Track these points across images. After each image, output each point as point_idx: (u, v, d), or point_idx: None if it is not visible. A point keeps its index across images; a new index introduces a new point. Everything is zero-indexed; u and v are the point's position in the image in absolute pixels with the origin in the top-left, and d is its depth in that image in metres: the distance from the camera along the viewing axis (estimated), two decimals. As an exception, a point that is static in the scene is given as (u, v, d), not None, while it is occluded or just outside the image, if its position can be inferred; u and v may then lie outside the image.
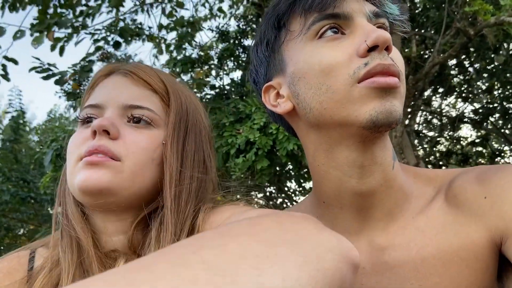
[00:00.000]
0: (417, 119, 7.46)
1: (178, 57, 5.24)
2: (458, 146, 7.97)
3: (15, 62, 3.52)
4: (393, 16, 0.62)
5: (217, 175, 0.72)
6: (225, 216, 0.59)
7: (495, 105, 6.94)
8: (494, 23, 3.43)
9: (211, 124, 0.75)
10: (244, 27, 5.89)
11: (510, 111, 6.79)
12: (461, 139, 7.93)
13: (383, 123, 0.54)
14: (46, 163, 4.46)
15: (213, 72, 5.73)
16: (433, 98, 7.53)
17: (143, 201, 0.60)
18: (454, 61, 6.29)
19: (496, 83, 6.33)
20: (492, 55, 5.40)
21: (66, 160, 0.62)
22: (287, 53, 0.62)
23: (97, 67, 4.43)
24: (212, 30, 5.93)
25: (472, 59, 6.12)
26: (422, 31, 5.60)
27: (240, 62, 5.93)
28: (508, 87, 6.29)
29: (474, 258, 0.56)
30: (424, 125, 8.02)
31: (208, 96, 5.37)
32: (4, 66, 3.51)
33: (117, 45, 4.38)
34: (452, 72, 6.68)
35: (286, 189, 6.98)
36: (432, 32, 5.37)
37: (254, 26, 5.79)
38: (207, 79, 5.42)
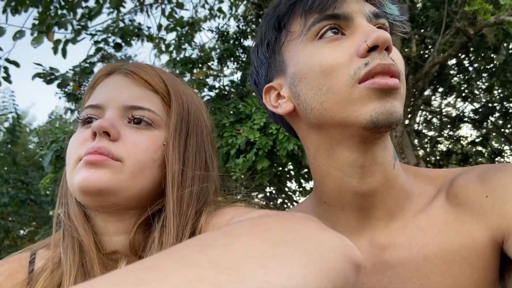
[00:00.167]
0: (417, 119, 7.46)
1: (178, 58, 5.24)
2: (458, 146, 7.97)
3: (16, 64, 3.53)
4: (393, 17, 0.63)
5: (219, 176, 0.72)
6: (227, 217, 0.59)
7: (495, 104, 6.94)
8: (494, 22, 3.43)
9: (213, 124, 0.75)
10: (244, 27, 5.89)
11: (510, 111, 6.79)
12: (461, 138, 7.93)
13: (384, 123, 0.54)
14: (46, 164, 4.46)
15: (213, 73, 5.73)
16: (433, 97, 7.53)
17: (144, 202, 0.60)
18: (454, 61, 6.28)
19: (496, 82, 6.33)
20: (492, 55, 5.40)
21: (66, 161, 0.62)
22: (288, 54, 0.62)
23: (98, 68, 4.43)
24: (212, 31, 5.94)
25: (472, 59, 6.12)
26: (422, 30, 5.60)
27: (240, 62, 5.93)
28: (508, 86, 6.29)
29: (475, 257, 0.57)
30: (424, 124, 8.02)
31: (208, 97, 5.37)
32: (6, 69, 3.52)
33: (117, 47, 4.38)
34: (452, 71, 6.68)
35: (286, 189, 6.98)
36: (432, 31, 5.37)
37: (254, 26, 5.79)
38: (207, 79, 5.42)
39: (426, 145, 8.01)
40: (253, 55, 0.71)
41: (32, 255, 0.64)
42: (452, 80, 6.80)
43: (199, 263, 0.28)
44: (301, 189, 6.89)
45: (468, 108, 7.60)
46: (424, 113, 7.64)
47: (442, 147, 8.15)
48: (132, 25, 4.64)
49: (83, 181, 0.55)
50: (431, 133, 8.12)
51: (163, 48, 4.96)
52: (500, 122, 7.35)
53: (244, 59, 5.85)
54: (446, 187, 0.63)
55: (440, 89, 7.07)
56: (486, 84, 6.71)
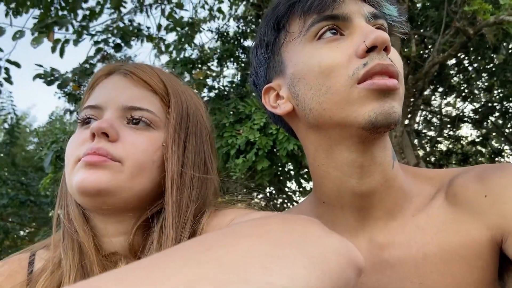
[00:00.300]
0: (417, 119, 7.46)
1: (178, 58, 5.24)
2: (458, 146, 7.97)
3: (17, 65, 3.54)
4: (391, 17, 0.63)
5: (218, 176, 0.71)
6: (228, 219, 0.59)
7: (495, 104, 6.94)
8: (494, 22, 3.43)
9: (212, 124, 0.74)
10: (243, 27, 5.89)
11: (510, 110, 6.79)
12: (461, 138, 7.93)
13: (382, 124, 0.54)
14: (46, 165, 4.46)
15: (213, 74, 5.73)
16: (433, 97, 7.53)
17: (143, 203, 0.60)
18: (453, 61, 6.29)
19: (495, 82, 6.33)
20: (492, 55, 5.40)
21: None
22: (287, 54, 0.63)
23: (98, 69, 4.43)
24: (212, 31, 5.94)
25: (471, 59, 6.12)
26: (422, 30, 5.60)
27: (240, 63, 5.93)
28: (508, 86, 6.29)
29: (475, 257, 0.57)
30: (424, 124, 8.02)
31: (208, 98, 5.37)
32: (7, 70, 3.52)
33: (117, 47, 4.38)
34: (452, 71, 6.68)
35: (286, 189, 6.98)
36: (432, 31, 5.37)
37: (253, 26, 5.79)
38: (207, 79, 5.42)
39: (426, 145, 8.01)
40: (252, 55, 0.71)
41: (32, 256, 0.64)
42: (452, 80, 6.80)
43: (203, 263, 0.29)
44: (301, 189, 6.89)
45: (468, 108, 7.61)
46: (424, 113, 7.65)
47: (442, 147, 8.15)
48: (131, 25, 4.64)
49: (81, 182, 0.55)
50: (431, 133, 8.12)
51: (163, 49, 4.96)
52: (500, 121, 7.35)
53: (244, 60, 5.85)
54: (445, 186, 0.63)
55: (440, 89, 7.07)
56: (486, 83, 6.71)
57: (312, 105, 0.59)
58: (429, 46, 5.87)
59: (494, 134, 7.73)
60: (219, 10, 5.45)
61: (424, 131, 8.05)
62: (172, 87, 0.65)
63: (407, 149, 4.88)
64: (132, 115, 0.60)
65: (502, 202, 0.55)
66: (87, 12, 4.00)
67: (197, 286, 0.26)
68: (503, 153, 7.77)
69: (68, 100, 4.74)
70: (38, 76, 3.60)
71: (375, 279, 0.62)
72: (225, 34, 5.94)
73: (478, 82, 6.88)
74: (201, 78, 5.10)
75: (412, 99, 5.39)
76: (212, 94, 5.52)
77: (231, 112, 4.43)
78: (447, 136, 7.96)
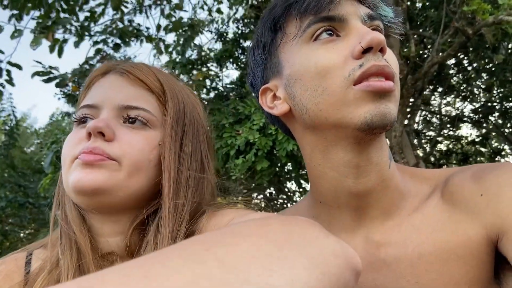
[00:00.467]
0: (417, 119, 7.46)
1: (177, 59, 5.24)
2: (458, 146, 7.97)
3: (19, 67, 3.55)
4: (388, 19, 0.63)
5: (217, 176, 0.71)
6: (226, 219, 0.58)
7: (495, 104, 6.94)
8: (493, 22, 3.43)
9: (210, 124, 0.74)
10: (243, 28, 5.90)
11: (509, 110, 6.79)
12: (461, 138, 7.93)
13: (378, 125, 0.55)
14: (46, 165, 4.47)
15: (212, 73, 5.73)
16: (432, 97, 7.53)
17: (140, 202, 0.60)
18: (453, 61, 6.29)
19: (495, 82, 6.33)
20: (491, 54, 5.40)
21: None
22: (283, 55, 0.63)
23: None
24: (211, 32, 5.94)
25: (471, 58, 6.12)
26: (421, 30, 5.60)
27: (239, 63, 5.93)
28: (508, 86, 6.29)
29: (470, 255, 0.57)
30: (423, 124, 8.02)
31: (207, 98, 5.37)
32: (8, 72, 3.53)
33: (116, 47, 4.39)
34: (451, 71, 6.68)
35: (286, 190, 6.98)
36: (431, 31, 5.37)
37: (253, 27, 5.79)
38: (206, 80, 5.42)
39: (425, 145, 8.01)
40: (250, 56, 0.71)
41: (28, 256, 0.64)
42: (452, 80, 6.80)
43: (207, 261, 0.29)
44: (301, 189, 6.89)
45: (467, 108, 7.61)
46: (423, 113, 7.65)
47: (441, 146, 8.15)
48: (131, 26, 4.65)
49: (77, 181, 0.55)
50: (430, 133, 8.12)
51: (163, 49, 4.96)
52: (500, 121, 7.35)
53: (243, 60, 5.85)
54: (441, 186, 0.63)
55: (440, 89, 7.07)
56: (486, 83, 6.71)
57: (308, 106, 0.59)
58: (429, 46, 5.88)
59: (493, 134, 7.73)
60: (218, 11, 5.45)
61: (423, 131, 8.05)
62: (169, 86, 0.65)
63: (407, 149, 4.88)
64: (129, 114, 0.60)
65: (498, 201, 0.55)
66: (88, 14, 4.01)
67: (197, 285, 0.26)
68: (502, 153, 7.77)
69: (67, 101, 4.74)
70: (36, 73, 3.60)
71: (371, 278, 0.62)
72: (225, 34, 5.95)
73: (477, 82, 6.88)
74: (201, 79, 5.10)
75: (411, 99, 5.39)
76: (211, 95, 5.53)
77: (231, 113, 4.43)
78: (447, 136, 7.96)
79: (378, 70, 0.55)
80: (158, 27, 4.73)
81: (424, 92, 6.67)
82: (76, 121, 0.63)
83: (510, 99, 6.56)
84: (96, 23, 4.10)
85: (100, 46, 4.40)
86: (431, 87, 6.89)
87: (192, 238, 0.35)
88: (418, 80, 4.63)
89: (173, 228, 0.57)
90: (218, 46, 6.00)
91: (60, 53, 3.73)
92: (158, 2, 4.68)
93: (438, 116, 7.84)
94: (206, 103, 4.99)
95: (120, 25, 4.45)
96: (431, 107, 7.69)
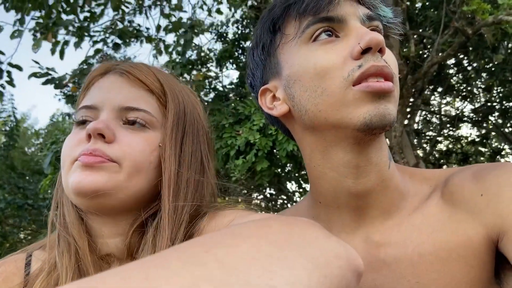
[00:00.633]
0: (417, 119, 7.46)
1: (177, 59, 5.24)
2: (458, 145, 7.97)
3: (19, 68, 3.55)
4: (387, 19, 0.63)
5: (217, 177, 0.71)
6: (227, 220, 0.58)
7: (495, 104, 6.94)
8: (492, 22, 3.43)
9: (210, 125, 0.74)
10: (242, 29, 5.90)
11: (509, 110, 6.79)
12: (461, 138, 7.93)
13: (377, 125, 0.55)
14: (46, 166, 4.47)
15: (212, 74, 5.73)
16: (432, 97, 7.54)
17: (139, 204, 0.60)
18: (452, 61, 6.29)
19: (495, 82, 6.33)
20: (491, 54, 5.40)
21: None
22: (283, 56, 0.63)
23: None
24: (211, 32, 5.94)
25: (470, 58, 6.13)
26: (421, 30, 5.60)
27: (239, 63, 5.94)
28: (507, 85, 6.29)
29: (471, 255, 0.57)
30: (423, 124, 8.02)
31: (207, 99, 5.37)
32: (9, 73, 3.54)
33: (116, 47, 4.39)
34: (451, 71, 6.69)
35: (286, 190, 6.98)
36: (431, 31, 5.37)
37: (253, 27, 5.79)
38: (206, 80, 5.42)
39: (425, 145, 8.01)
40: (249, 57, 0.71)
41: (28, 257, 0.64)
42: (451, 80, 6.80)
43: (208, 263, 0.29)
44: (301, 190, 6.89)
45: (467, 108, 7.61)
46: (423, 112, 7.65)
47: (441, 146, 8.16)
48: (131, 26, 4.65)
49: (78, 183, 0.55)
50: (430, 133, 8.12)
51: (162, 49, 4.96)
52: (500, 121, 7.36)
53: (243, 60, 5.85)
54: (441, 186, 0.63)
55: (439, 89, 7.08)
56: (485, 83, 6.72)
57: (307, 106, 0.59)
58: (428, 46, 5.88)
59: (493, 133, 7.73)
60: (218, 11, 5.45)
61: (423, 131, 8.05)
62: (169, 86, 0.64)
63: (407, 149, 4.88)
64: (128, 115, 0.60)
65: (498, 201, 0.55)
66: (88, 14, 4.01)
67: (201, 286, 0.26)
68: (502, 153, 7.77)
69: (67, 102, 4.74)
70: (33, 75, 3.60)
71: (371, 278, 0.62)
72: (225, 35, 5.95)
73: (477, 82, 6.88)
74: (201, 79, 5.10)
75: (411, 99, 5.39)
76: (211, 95, 5.53)
77: (231, 113, 4.43)
78: (447, 136, 7.96)
79: (377, 70, 0.55)
80: (158, 28, 4.74)
81: (424, 92, 6.68)
82: (76, 123, 0.62)
83: (510, 98, 6.57)
84: (95, 23, 4.10)
85: (99, 46, 4.41)
86: (431, 87, 6.89)
87: (192, 240, 0.35)
88: (418, 80, 4.63)
89: (172, 229, 0.57)
90: (218, 46, 6.01)
91: (62, 55, 3.73)
92: (158, 3, 4.68)
93: (438, 116, 7.84)
94: (206, 103, 4.99)
95: (120, 26, 4.46)
96: (431, 107, 7.69)
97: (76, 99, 0.69)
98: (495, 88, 6.73)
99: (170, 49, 5.03)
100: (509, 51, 5.40)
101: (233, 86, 5.75)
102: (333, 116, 0.57)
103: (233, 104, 4.57)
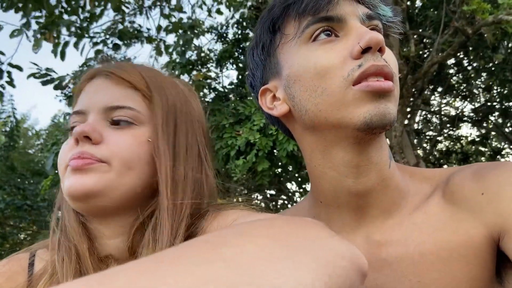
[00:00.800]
0: (417, 119, 7.46)
1: (178, 60, 5.24)
2: (458, 145, 7.97)
3: (19, 68, 3.56)
4: (386, 18, 0.63)
5: (217, 176, 0.70)
6: (230, 219, 0.58)
7: (495, 103, 6.94)
8: (492, 21, 3.43)
9: (210, 124, 0.73)
10: (242, 29, 5.90)
11: (509, 110, 6.79)
12: (461, 138, 7.93)
13: (377, 125, 0.55)
14: (48, 167, 4.46)
15: (212, 74, 5.73)
16: (432, 97, 7.54)
17: (136, 202, 0.59)
18: (452, 60, 6.29)
19: (495, 81, 6.33)
20: (491, 54, 5.40)
21: None
22: (282, 56, 0.63)
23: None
24: (211, 33, 5.94)
25: (470, 58, 6.12)
26: (420, 30, 5.60)
27: (239, 63, 5.93)
28: (507, 85, 6.29)
29: (472, 254, 0.57)
30: (423, 124, 8.02)
31: (207, 99, 5.37)
32: (9, 73, 3.55)
33: (116, 48, 4.39)
34: (451, 71, 6.69)
35: (287, 190, 6.98)
36: (431, 31, 5.37)
37: (253, 28, 5.79)
38: (207, 80, 5.42)
39: (425, 145, 8.01)
40: (249, 57, 0.71)
41: (32, 256, 0.64)
42: (451, 80, 6.80)
43: (215, 262, 0.29)
44: (301, 190, 6.89)
45: (467, 108, 7.61)
46: (423, 112, 7.65)
47: (441, 146, 8.15)
48: (132, 27, 4.65)
49: (69, 187, 0.55)
50: (430, 133, 8.12)
51: (163, 49, 4.96)
52: (500, 121, 7.36)
53: (243, 60, 5.85)
54: (442, 185, 0.63)
55: (439, 89, 7.08)
56: (485, 83, 6.72)
57: (308, 106, 0.59)
58: (428, 46, 5.88)
59: (493, 133, 7.73)
60: (218, 11, 5.45)
61: (423, 130, 8.05)
62: (155, 81, 0.64)
63: (407, 148, 4.87)
64: (114, 115, 0.60)
65: (499, 200, 0.55)
66: (87, 14, 4.02)
67: (209, 286, 0.26)
68: (503, 152, 7.77)
69: (68, 103, 4.74)
70: (32, 75, 3.60)
71: (372, 278, 0.62)
72: (225, 35, 5.95)
73: (477, 82, 6.88)
74: (201, 79, 5.10)
75: (411, 99, 5.39)
76: (211, 95, 5.53)
77: (231, 113, 4.43)
78: (447, 136, 7.96)
79: (377, 70, 0.55)
80: (159, 28, 4.74)
81: (424, 92, 6.68)
82: (70, 130, 0.63)
83: (510, 98, 6.57)
84: (95, 23, 4.11)
85: (99, 47, 4.41)
86: (431, 86, 6.89)
87: (198, 238, 0.35)
88: (418, 80, 4.63)
89: (172, 227, 0.56)
90: (218, 46, 6.01)
91: (62, 56, 3.73)
92: (158, 3, 4.69)
93: (438, 115, 7.84)
94: (206, 104, 4.99)
95: (120, 27, 4.46)
96: (431, 107, 7.69)
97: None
98: (495, 88, 6.73)
99: (170, 50, 5.03)
100: (509, 50, 5.40)
101: (233, 86, 5.75)
102: (333, 115, 0.57)
103: (233, 104, 4.57)
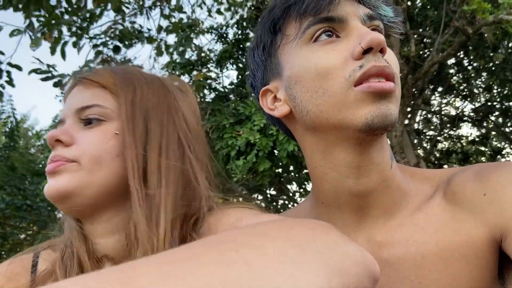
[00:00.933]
0: (417, 118, 7.46)
1: (178, 60, 5.24)
2: (458, 145, 7.97)
3: (19, 68, 3.55)
4: (387, 18, 0.63)
5: (218, 176, 0.70)
6: (234, 218, 0.57)
7: (495, 103, 6.95)
8: (493, 21, 3.43)
9: (206, 119, 0.73)
10: (243, 30, 5.90)
11: (510, 109, 6.79)
12: (461, 137, 7.93)
13: (379, 126, 0.55)
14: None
15: (213, 74, 5.73)
16: (433, 97, 7.54)
17: (119, 198, 0.59)
18: (453, 60, 6.29)
19: (495, 81, 6.34)
20: (491, 54, 5.41)
21: None
22: (283, 57, 0.63)
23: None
24: (211, 32, 5.94)
25: (471, 58, 6.13)
26: (421, 30, 5.60)
27: (239, 63, 5.93)
28: (508, 85, 6.29)
29: (474, 255, 0.57)
30: (424, 124, 8.02)
31: (207, 99, 5.37)
32: (8, 73, 3.55)
33: (116, 50, 4.39)
34: (451, 71, 6.69)
35: (287, 190, 6.98)
36: (431, 31, 5.37)
37: (253, 28, 5.79)
38: (208, 81, 5.42)
39: (426, 145, 8.01)
40: (250, 58, 0.71)
41: (35, 257, 0.64)
42: (452, 79, 6.81)
43: (236, 263, 0.29)
44: (302, 190, 6.89)
45: (467, 107, 7.61)
46: (423, 112, 7.65)
47: (442, 146, 8.16)
48: (132, 28, 4.65)
49: (46, 191, 0.57)
50: (431, 133, 8.12)
51: (163, 49, 4.96)
52: (500, 120, 7.36)
53: (243, 61, 5.85)
54: (443, 186, 0.63)
55: (440, 89, 7.08)
56: (486, 83, 6.72)
57: (309, 107, 0.59)
58: (429, 46, 5.88)
59: (494, 133, 7.73)
60: (218, 11, 5.45)
61: (424, 130, 8.06)
62: (124, 77, 0.64)
63: (407, 148, 4.88)
64: (84, 115, 0.61)
65: (501, 200, 0.55)
66: (87, 15, 4.02)
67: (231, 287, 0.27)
68: (503, 152, 7.77)
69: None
70: (34, 71, 3.60)
71: None
72: (225, 35, 5.95)
73: (477, 81, 6.89)
74: (201, 80, 5.10)
75: (412, 99, 5.39)
76: (212, 95, 5.53)
77: (231, 113, 4.43)
78: (447, 136, 7.97)
79: (378, 71, 0.55)
80: (159, 28, 4.74)
81: (425, 92, 6.68)
82: None
83: (510, 98, 6.57)
84: (95, 22, 4.10)
85: (100, 49, 4.41)
86: (431, 86, 6.89)
87: (218, 235, 0.36)
88: (418, 79, 4.63)
89: (150, 219, 0.56)
90: (219, 46, 6.01)
91: (63, 55, 3.74)
92: (158, 3, 4.69)
93: (438, 115, 7.84)
94: (206, 104, 5.00)
95: (120, 27, 4.46)
96: (431, 106, 7.69)
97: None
98: (496, 88, 6.74)
99: (171, 49, 5.03)
100: (509, 50, 5.40)
101: (233, 86, 5.75)
102: (334, 116, 0.57)
103: (233, 105, 4.56)
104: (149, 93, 0.64)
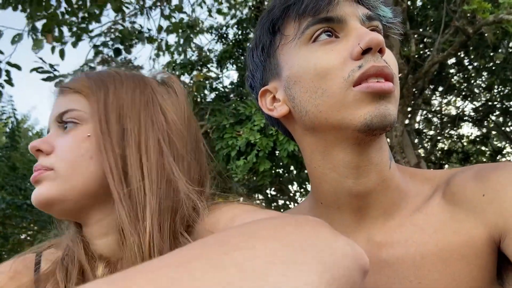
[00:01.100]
0: (417, 118, 7.46)
1: (178, 60, 5.24)
2: (458, 145, 7.97)
3: (18, 67, 3.56)
4: (386, 19, 0.63)
5: (218, 177, 0.69)
6: (229, 215, 0.57)
7: (495, 103, 6.94)
8: (493, 21, 3.43)
9: (211, 125, 0.73)
10: (243, 30, 5.90)
11: (510, 109, 6.79)
12: (462, 137, 7.93)
13: (378, 126, 0.55)
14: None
15: (213, 74, 5.73)
16: (433, 97, 7.54)
17: (105, 198, 0.59)
18: (453, 60, 6.29)
19: (495, 81, 6.33)
20: (492, 53, 5.40)
21: None
22: (282, 57, 0.63)
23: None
24: (211, 33, 5.94)
25: (471, 58, 6.13)
26: (421, 30, 5.60)
27: (239, 64, 5.93)
28: (508, 84, 6.29)
29: (473, 255, 0.57)
30: (424, 124, 8.02)
31: (207, 99, 5.37)
32: (7, 72, 3.55)
33: (117, 52, 4.39)
34: (452, 70, 6.69)
35: (288, 190, 6.98)
36: (431, 31, 5.38)
37: (253, 29, 5.79)
38: (206, 81, 5.42)
39: (426, 144, 8.01)
40: (249, 58, 0.71)
41: (38, 257, 0.65)
42: (452, 79, 6.80)
43: (227, 267, 0.29)
44: (302, 190, 6.89)
45: (468, 107, 7.62)
46: (424, 112, 7.65)
47: (442, 146, 8.15)
48: (133, 28, 4.65)
49: (32, 200, 0.59)
50: (431, 132, 8.12)
51: (164, 48, 4.97)
52: (501, 120, 7.35)
53: (244, 61, 5.85)
54: (443, 186, 0.63)
55: (440, 88, 7.08)
56: (486, 82, 6.72)
57: (308, 107, 0.59)
58: (429, 46, 5.88)
59: (494, 132, 7.72)
60: (219, 11, 5.45)
61: (424, 130, 8.06)
62: (95, 79, 0.64)
63: (408, 148, 4.87)
64: (62, 119, 0.62)
65: (500, 201, 0.55)
66: (86, 14, 4.02)
67: None
68: (503, 152, 7.77)
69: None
70: (35, 69, 3.60)
71: (373, 279, 0.62)
72: (225, 35, 5.95)
73: (478, 81, 6.89)
74: (201, 80, 5.10)
75: (412, 99, 5.39)
76: (212, 95, 5.53)
77: (231, 113, 4.42)
78: (448, 135, 7.96)
79: (377, 71, 0.55)
80: (160, 28, 4.74)
81: (425, 92, 6.68)
82: None
83: (510, 97, 6.57)
84: (95, 22, 4.11)
85: (100, 48, 4.41)
86: (431, 86, 6.89)
87: (209, 238, 0.36)
88: (419, 79, 4.63)
89: (135, 217, 0.56)
90: (219, 47, 6.01)
91: (62, 55, 3.74)
92: (158, 4, 4.69)
93: (438, 115, 7.84)
94: (207, 105, 5.00)
95: (120, 28, 4.46)
96: (431, 106, 7.69)
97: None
98: (496, 87, 6.73)
99: (171, 49, 5.03)
100: (509, 50, 5.39)
101: (233, 86, 5.75)
102: (333, 117, 0.57)
103: (233, 105, 4.56)
104: (122, 91, 0.64)
